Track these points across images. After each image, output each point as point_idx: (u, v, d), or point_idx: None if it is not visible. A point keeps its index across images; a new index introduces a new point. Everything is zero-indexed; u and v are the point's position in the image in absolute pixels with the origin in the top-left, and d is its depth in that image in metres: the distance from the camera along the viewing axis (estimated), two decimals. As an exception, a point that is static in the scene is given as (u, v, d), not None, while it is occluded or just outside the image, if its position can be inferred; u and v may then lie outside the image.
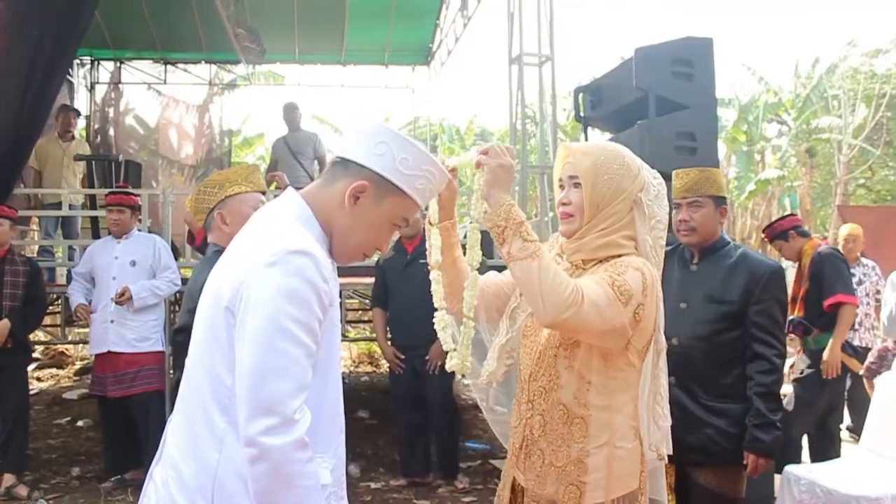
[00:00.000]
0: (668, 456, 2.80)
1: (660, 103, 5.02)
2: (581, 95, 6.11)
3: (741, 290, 2.97)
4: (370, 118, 1.80)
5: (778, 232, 5.22)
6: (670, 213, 2.15)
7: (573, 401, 1.97)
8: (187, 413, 1.63)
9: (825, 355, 4.89)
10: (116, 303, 5.28)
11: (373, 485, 5.50)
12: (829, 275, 4.89)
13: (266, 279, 1.49)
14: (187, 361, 1.67)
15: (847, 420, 6.89)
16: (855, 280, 6.68)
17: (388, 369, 5.71)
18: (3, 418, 5.24)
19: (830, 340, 4.90)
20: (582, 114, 6.11)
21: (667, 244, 2.11)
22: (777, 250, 5.35)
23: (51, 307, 6.96)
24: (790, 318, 5.13)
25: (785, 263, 5.36)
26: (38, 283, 5.53)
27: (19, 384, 5.47)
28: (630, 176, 2.02)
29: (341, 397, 1.73)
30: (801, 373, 5.08)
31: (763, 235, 5.54)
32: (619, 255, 1.98)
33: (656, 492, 2.15)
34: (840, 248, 6.95)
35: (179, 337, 2.69)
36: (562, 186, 2.10)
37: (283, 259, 1.50)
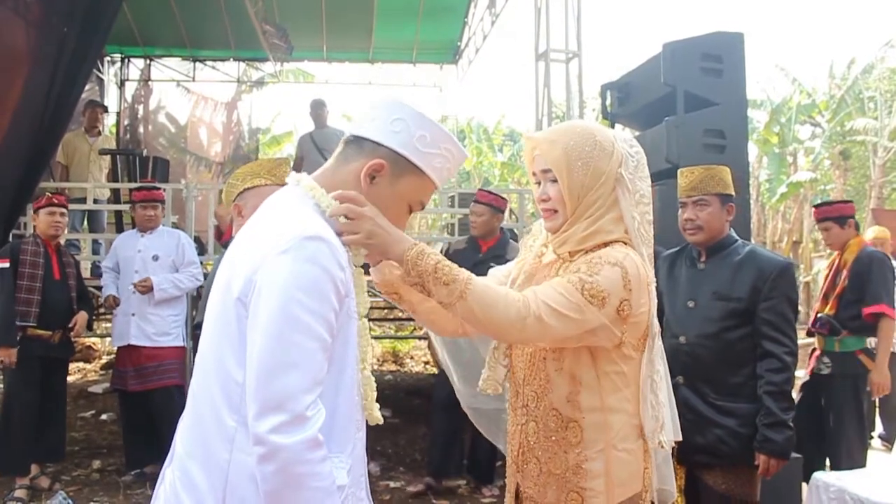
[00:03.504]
0: (678, 457, 2.70)
1: (688, 100, 4.91)
2: (608, 92, 6.02)
3: (749, 287, 2.92)
4: (386, 95, 1.71)
5: (835, 215, 4.87)
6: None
7: (566, 404, 1.87)
8: (196, 411, 1.55)
9: (873, 376, 4.61)
10: (136, 290, 5.29)
11: (392, 484, 5.46)
12: (876, 280, 4.60)
13: (279, 267, 1.42)
14: (197, 357, 1.60)
15: (879, 428, 6.74)
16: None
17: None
18: (40, 411, 5.21)
19: (877, 358, 4.62)
20: (609, 111, 6.02)
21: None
22: (823, 231, 4.99)
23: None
24: (819, 315, 4.88)
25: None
26: (82, 277, 5.61)
27: (62, 378, 5.51)
28: (606, 154, 1.88)
29: (360, 393, 1.65)
30: (819, 370, 4.77)
31: (814, 213, 5.25)
32: (607, 243, 1.86)
33: (664, 481, 2.06)
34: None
35: (199, 331, 2.64)
36: (537, 182, 1.97)
37: (297, 245, 1.43)
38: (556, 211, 1.92)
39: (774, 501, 3.00)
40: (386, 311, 10.29)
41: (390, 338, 10.92)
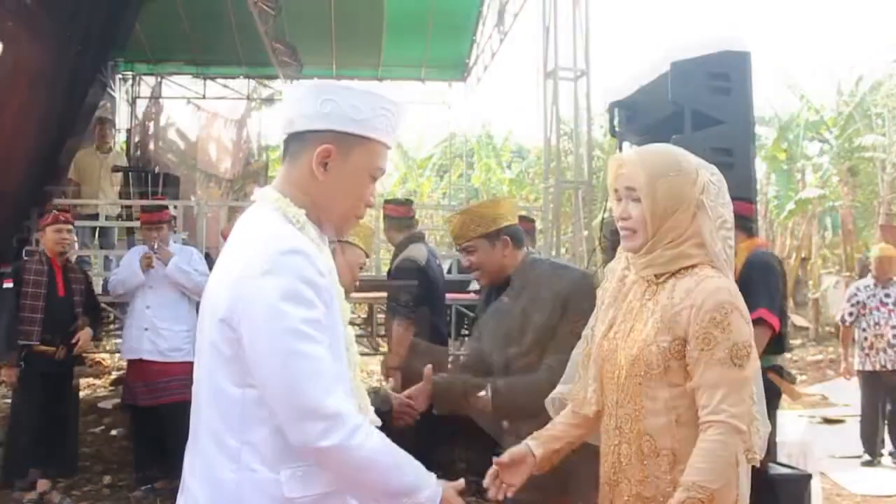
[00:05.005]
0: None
1: (696, 118, 4.93)
2: (616, 110, 6.04)
3: (548, 312, 2.80)
4: (304, 83, 1.75)
5: None
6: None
7: (660, 433, 1.89)
8: (195, 435, 1.59)
9: None
10: (155, 254, 5.35)
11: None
12: (756, 284, 4.18)
13: (265, 289, 1.46)
14: (194, 383, 1.63)
15: (889, 445, 6.70)
16: (890, 300, 6.54)
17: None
18: (48, 426, 5.21)
19: None
20: (617, 129, 6.04)
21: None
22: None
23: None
24: None
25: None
26: (93, 291, 5.63)
27: (71, 393, 5.53)
28: (689, 181, 1.93)
29: (356, 395, 1.69)
30: None
31: None
32: (691, 266, 1.92)
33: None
34: (873, 268, 6.79)
35: None
36: (619, 199, 2.01)
37: (276, 263, 1.47)
38: (636, 231, 1.96)
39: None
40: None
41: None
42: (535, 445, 2.08)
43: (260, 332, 1.45)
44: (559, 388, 2.24)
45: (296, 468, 1.49)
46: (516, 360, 2.87)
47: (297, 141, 1.65)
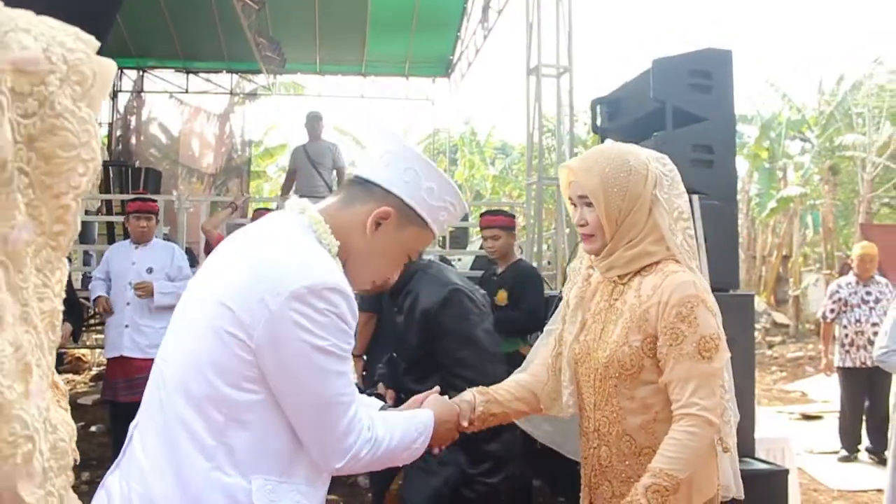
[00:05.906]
0: None
1: (677, 115, 4.95)
2: (598, 107, 6.05)
3: (418, 332, 2.69)
4: (390, 129, 1.76)
5: None
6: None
7: (640, 432, 1.91)
8: (163, 422, 1.49)
9: None
10: (136, 292, 5.28)
11: (382, 496, 5.46)
12: None
13: (299, 314, 1.42)
14: (161, 366, 1.55)
15: (865, 441, 6.76)
16: (871, 298, 6.61)
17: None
18: None
19: None
20: (599, 125, 6.06)
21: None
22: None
23: (67, 312, 7.00)
24: None
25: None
26: (72, 286, 5.56)
27: None
28: (641, 178, 1.92)
29: None
30: None
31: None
32: (655, 263, 1.93)
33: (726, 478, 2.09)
34: (854, 266, 6.87)
35: None
36: (574, 205, 2.02)
37: (320, 295, 1.43)
38: (593, 235, 1.97)
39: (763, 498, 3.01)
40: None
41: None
42: (479, 401, 2.04)
43: (292, 352, 1.43)
44: (513, 377, 2.21)
45: (267, 480, 1.45)
46: (404, 375, 2.80)
47: (363, 186, 1.64)
